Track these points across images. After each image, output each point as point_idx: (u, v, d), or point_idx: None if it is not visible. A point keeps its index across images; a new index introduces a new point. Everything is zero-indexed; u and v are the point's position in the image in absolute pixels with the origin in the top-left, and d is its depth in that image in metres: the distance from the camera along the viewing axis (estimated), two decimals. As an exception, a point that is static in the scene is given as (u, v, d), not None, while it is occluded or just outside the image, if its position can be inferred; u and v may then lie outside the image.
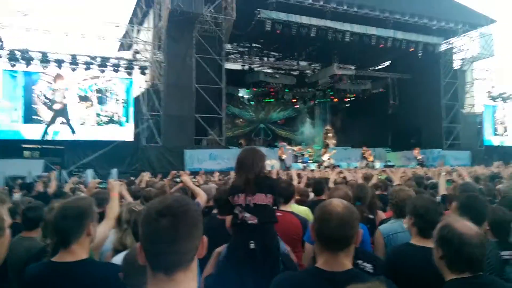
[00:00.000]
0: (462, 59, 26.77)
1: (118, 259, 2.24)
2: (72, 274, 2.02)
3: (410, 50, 23.85)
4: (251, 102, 30.94)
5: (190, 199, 1.37)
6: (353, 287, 1.34)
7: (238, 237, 2.74)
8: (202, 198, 4.02)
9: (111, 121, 19.99)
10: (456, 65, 26.70)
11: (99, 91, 19.82)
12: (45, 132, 18.37)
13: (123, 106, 20.37)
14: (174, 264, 1.21)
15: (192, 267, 1.26)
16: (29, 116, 18.31)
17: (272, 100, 30.97)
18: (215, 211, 3.92)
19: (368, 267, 2.77)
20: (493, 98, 29.37)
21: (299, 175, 8.21)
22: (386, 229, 3.23)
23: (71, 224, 2.09)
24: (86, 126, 19.38)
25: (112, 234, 2.80)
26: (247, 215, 2.71)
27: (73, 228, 2.10)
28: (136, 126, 20.25)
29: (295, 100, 31.83)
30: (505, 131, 29.34)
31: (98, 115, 19.76)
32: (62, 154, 19.83)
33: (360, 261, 2.62)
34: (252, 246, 2.64)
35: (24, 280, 2.12)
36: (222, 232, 2.81)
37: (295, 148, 24.48)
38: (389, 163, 22.40)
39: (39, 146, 20.32)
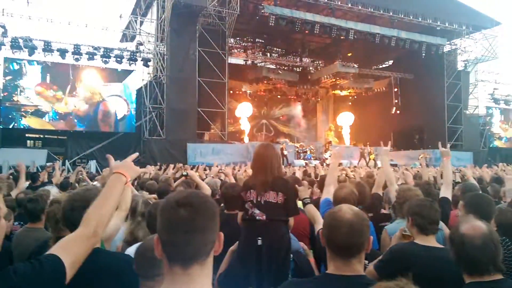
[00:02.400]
0: (465, 61, 26.75)
1: (131, 251, 2.25)
2: (83, 261, 2.03)
3: (413, 50, 23.79)
4: (253, 98, 30.88)
5: (207, 194, 1.38)
6: (380, 284, 1.34)
7: (246, 233, 2.75)
8: (206, 192, 4.03)
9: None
10: (460, 66, 26.67)
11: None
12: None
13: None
14: (190, 256, 1.22)
15: (208, 263, 1.26)
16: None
17: (274, 96, 30.89)
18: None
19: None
20: (496, 100, 29.39)
21: (305, 172, 8.22)
22: (393, 229, 3.23)
23: (80, 215, 2.10)
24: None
25: (124, 225, 2.81)
26: (256, 211, 2.72)
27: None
28: (139, 118, 20.24)
29: (297, 97, 31.77)
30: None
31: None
32: (65, 145, 19.85)
33: (366, 261, 2.64)
34: (259, 242, 2.65)
35: None
36: (229, 227, 2.82)
37: (297, 145, 24.49)
38: (391, 162, 22.38)
39: (42, 136, 20.32)
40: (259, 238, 2.65)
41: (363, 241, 1.76)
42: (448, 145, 4.04)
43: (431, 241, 2.46)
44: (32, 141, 20.13)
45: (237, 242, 2.79)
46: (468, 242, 1.85)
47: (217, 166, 6.47)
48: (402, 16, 22.56)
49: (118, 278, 1.98)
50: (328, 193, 3.41)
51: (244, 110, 27.17)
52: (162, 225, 1.25)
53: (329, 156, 20.87)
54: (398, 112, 28.79)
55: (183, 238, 1.21)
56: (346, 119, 31.08)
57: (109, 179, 1.89)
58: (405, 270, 2.33)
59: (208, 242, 1.25)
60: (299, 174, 7.69)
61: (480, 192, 3.92)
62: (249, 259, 2.64)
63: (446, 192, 3.56)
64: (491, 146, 28.16)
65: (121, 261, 2.09)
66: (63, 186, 5.91)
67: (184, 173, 3.87)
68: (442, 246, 2.49)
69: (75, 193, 2.43)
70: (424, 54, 24.13)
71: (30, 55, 18.13)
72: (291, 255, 2.70)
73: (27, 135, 19.85)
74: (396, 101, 28.92)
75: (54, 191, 4.71)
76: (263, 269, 2.59)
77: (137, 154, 2.36)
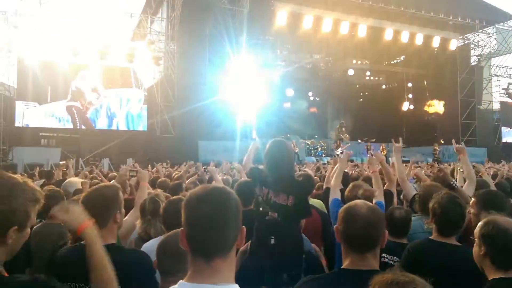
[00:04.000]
0: (479, 55, 26.35)
1: (147, 247, 2.28)
2: None
3: (425, 45, 23.51)
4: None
5: (231, 189, 1.41)
6: (378, 276, 1.35)
7: (259, 232, 2.73)
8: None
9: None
10: (473, 61, 26.29)
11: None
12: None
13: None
14: (213, 250, 1.25)
15: (231, 256, 1.29)
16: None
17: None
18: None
19: (395, 259, 2.78)
20: (510, 95, 28.89)
21: (318, 169, 8.19)
22: (412, 226, 3.19)
23: (97, 211, 2.14)
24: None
25: (136, 222, 2.85)
26: (267, 207, 2.71)
27: (100, 215, 2.15)
28: (150, 117, 20.38)
29: (308, 93, 31.64)
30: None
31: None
32: (78, 143, 20.10)
33: (385, 255, 2.63)
34: (272, 241, 2.63)
35: (55, 262, 2.19)
36: (243, 223, 2.81)
37: (308, 142, 24.41)
38: (404, 159, 22.21)
39: (56, 135, 20.61)
40: (272, 237, 2.63)
41: (378, 236, 1.78)
42: (463, 142, 3.98)
43: (447, 240, 2.46)
44: (46, 140, 20.45)
45: (248, 242, 2.77)
46: (502, 234, 1.87)
47: (227, 164, 6.49)
48: (414, 11, 22.29)
49: (131, 272, 2.02)
50: (335, 194, 3.40)
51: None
52: (185, 220, 1.30)
53: (341, 152, 20.74)
54: (411, 107, 28.50)
55: (205, 234, 1.25)
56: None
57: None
58: (422, 267, 2.34)
59: (230, 237, 1.28)
60: (310, 171, 7.66)
61: (494, 190, 3.86)
62: (262, 258, 2.63)
63: (469, 190, 3.51)
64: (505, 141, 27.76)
65: (135, 256, 2.13)
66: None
67: (132, 173, 3.74)
68: (459, 244, 2.48)
69: (93, 189, 2.47)
70: (436, 49, 23.85)
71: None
72: (303, 256, 2.69)
73: (41, 133, 20.15)
74: (408, 97, 28.63)
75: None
76: (276, 268, 2.58)
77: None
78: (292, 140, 21.79)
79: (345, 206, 1.92)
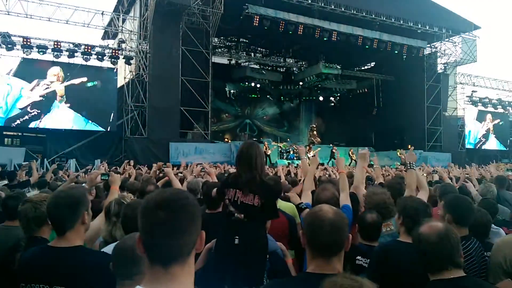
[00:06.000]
0: (445, 63, 27.31)
1: (108, 249, 2.24)
2: (65, 258, 2.05)
3: (395, 52, 24.17)
4: (237, 97, 30.86)
5: (189, 193, 1.37)
6: (328, 281, 1.36)
7: (224, 232, 2.73)
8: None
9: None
10: (440, 68, 27.22)
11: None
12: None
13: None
14: (170, 257, 1.21)
15: (189, 262, 1.25)
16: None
17: (258, 96, 30.94)
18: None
19: (368, 261, 2.82)
20: (474, 103, 30.13)
21: (288, 171, 8.24)
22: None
23: (64, 213, 2.10)
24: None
25: (102, 226, 2.79)
26: (232, 209, 2.72)
27: (67, 216, 2.11)
28: (120, 117, 19.99)
29: (281, 97, 31.91)
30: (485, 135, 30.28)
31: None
32: (44, 143, 19.45)
33: (359, 257, 2.67)
34: (236, 241, 2.63)
35: (20, 265, 2.13)
36: (209, 227, 2.81)
37: (280, 145, 24.59)
38: (371, 163, 22.70)
39: (20, 134, 19.88)
40: (236, 237, 2.63)
41: (344, 239, 1.80)
42: (412, 149, 4.06)
43: None
44: (9, 139, 19.69)
45: (214, 240, 2.77)
46: (424, 239, 1.95)
47: (197, 166, 6.41)
48: (384, 18, 22.89)
49: (97, 275, 2.00)
50: (347, 201, 3.40)
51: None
52: (142, 226, 1.24)
53: (312, 156, 20.98)
54: (378, 113, 29.18)
55: (161, 241, 1.21)
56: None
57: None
58: (391, 268, 2.39)
59: (188, 243, 1.24)
60: (282, 173, 7.72)
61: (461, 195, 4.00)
62: (225, 258, 2.63)
63: (423, 196, 3.61)
64: (467, 147, 28.92)
65: (100, 258, 2.10)
66: (40, 185, 5.80)
67: (104, 177, 3.68)
68: None
69: (60, 190, 2.40)
70: (405, 57, 24.56)
71: (8, 51, 17.70)
72: (267, 256, 2.70)
73: (4, 132, 19.39)
74: (377, 102, 29.32)
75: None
76: (239, 268, 2.58)
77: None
78: (264, 142, 21.92)
79: (310, 211, 1.93)
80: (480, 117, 30.63)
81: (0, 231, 3.30)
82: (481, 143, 30.81)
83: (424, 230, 1.98)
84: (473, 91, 30.06)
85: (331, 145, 23.11)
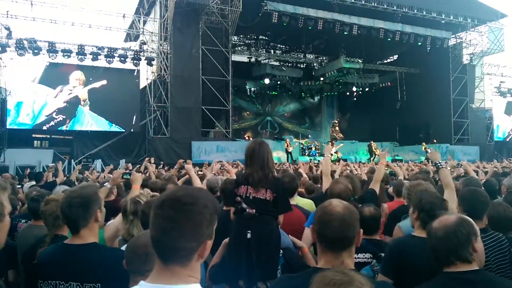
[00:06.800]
0: (471, 54, 26.50)
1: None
2: (80, 255, 2.12)
3: (418, 44, 23.63)
4: (257, 95, 30.84)
5: (206, 196, 1.30)
6: (319, 276, 1.32)
7: (236, 227, 2.75)
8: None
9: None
10: (465, 59, 26.44)
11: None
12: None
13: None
14: (167, 255, 1.22)
15: (191, 265, 1.24)
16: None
17: (278, 93, 30.85)
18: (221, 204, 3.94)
19: (367, 256, 2.80)
20: (502, 94, 29.11)
21: (310, 168, 8.19)
22: (406, 226, 3.20)
23: (77, 212, 2.18)
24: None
25: (117, 225, 2.86)
26: (244, 205, 2.74)
27: (80, 215, 2.18)
28: (143, 117, 20.34)
29: (302, 93, 31.72)
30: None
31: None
32: (72, 144, 20.03)
33: (356, 255, 2.65)
34: (248, 235, 2.64)
35: (40, 260, 2.22)
36: (227, 224, 2.83)
37: (302, 141, 24.47)
38: (397, 157, 22.34)
39: (49, 136, 20.51)
40: (249, 231, 2.65)
41: (353, 234, 1.78)
42: (425, 145, 3.97)
43: None
44: (39, 142, 20.35)
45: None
46: (432, 234, 1.96)
47: (217, 163, 6.43)
48: (406, 10, 22.39)
49: (111, 271, 2.05)
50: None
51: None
52: (150, 221, 1.27)
53: (334, 152, 20.81)
54: (402, 107, 28.62)
55: (159, 239, 1.22)
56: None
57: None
58: (405, 264, 2.36)
59: (187, 248, 1.22)
60: (304, 170, 7.67)
61: (478, 187, 3.90)
62: (239, 252, 2.65)
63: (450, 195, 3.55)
64: (498, 139, 27.99)
65: (114, 255, 2.15)
66: (66, 185, 5.96)
67: (125, 176, 3.74)
68: None
69: (72, 190, 2.48)
70: (429, 48, 23.96)
71: (34, 56, 18.25)
72: (281, 251, 2.70)
73: (34, 135, 20.06)
74: (401, 96, 28.76)
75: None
76: (253, 262, 2.60)
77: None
78: (286, 139, 21.86)
79: (320, 205, 1.92)
80: (509, 108, 29.54)
81: (26, 230, 3.45)
82: (510, 136, 29.75)
83: (434, 225, 1.97)
84: (501, 82, 29.03)
85: (371, 142, 22.68)
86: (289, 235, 2.87)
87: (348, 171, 8.39)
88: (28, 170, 9.48)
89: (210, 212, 1.26)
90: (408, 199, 3.44)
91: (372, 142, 22.52)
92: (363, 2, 21.46)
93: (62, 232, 2.67)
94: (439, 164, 3.43)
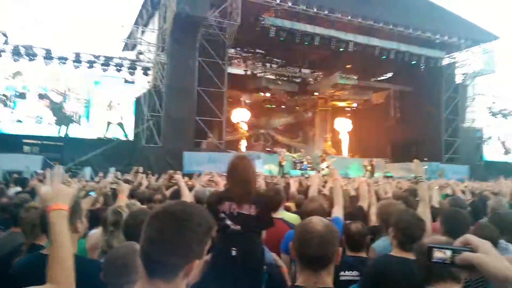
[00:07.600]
0: (464, 74, 26.84)
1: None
2: None
3: (412, 62, 23.92)
4: (252, 107, 30.88)
5: (202, 215, 1.28)
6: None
7: (220, 244, 2.69)
8: (186, 199, 3.93)
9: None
10: (458, 79, 26.77)
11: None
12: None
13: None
14: (152, 268, 1.21)
15: (174, 283, 1.22)
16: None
17: (273, 106, 30.97)
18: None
19: (354, 274, 2.78)
20: (494, 114, 29.47)
21: (300, 183, 8.17)
22: (379, 247, 3.20)
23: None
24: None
25: (99, 235, 2.81)
26: (229, 222, 2.71)
27: None
28: (136, 126, 20.30)
29: (296, 107, 31.86)
30: (505, 149, 29.54)
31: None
32: (62, 151, 19.87)
33: (342, 272, 2.64)
34: (233, 253, 2.62)
35: (14, 270, 2.18)
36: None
37: (295, 155, 24.48)
38: (387, 174, 22.39)
39: (39, 142, 20.37)
40: (234, 248, 2.63)
41: (333, 253, 1.79)
42: (418, 162, 3.82)
43: (407, 255, 2.48)
44: (29, 147, 20.18)
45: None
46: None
47: (207, 174, 6.40)
48: (402, 29, 22.72)
49: (88, 283, 1.99)
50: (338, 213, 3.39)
51: (241, 116, 27.48)
52: (142, 231, 1.26)
53: (326, 166, 20.84)
54: (395, 124, 28.83)
55: (149, 250, 1.22)
56: (343, 125, 31.19)
57: (51, 223, 1.55)
58: (383, 283, 2.36)
59: (174, 263, 1.21)
60: (294, 185, 7.65)
61: (463, 208, 3.93)
62: (223, 270, 2.62)
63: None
64: (488, 160, 28.23)
65: (92, 266, 2.12)
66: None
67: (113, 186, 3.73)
68: None
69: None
70: (423, 67, 24.27)
71: (30, 61, 18.25)
72: (264, 267, 2.68)
73: (24, 140, 19.89)
74: (394, 113, 28.98)
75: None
76: (237, 280, 2.57)
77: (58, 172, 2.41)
78: (280, 153, 21.87)
79: (300, 223, 1.92)
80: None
81: (6, 237, 3.39)
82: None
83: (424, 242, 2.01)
84: (493, 102, 29.42)
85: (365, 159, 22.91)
86: (272, 253, 2.86)
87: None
88: (15, 176, 9.36)
89: (203, 232, 1.25)
90: (380, 219, 3.44)
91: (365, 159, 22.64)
92: (360, 20, 21.75)
93: (39, 241, 2.63)
94: (419, 177, 3.46)
